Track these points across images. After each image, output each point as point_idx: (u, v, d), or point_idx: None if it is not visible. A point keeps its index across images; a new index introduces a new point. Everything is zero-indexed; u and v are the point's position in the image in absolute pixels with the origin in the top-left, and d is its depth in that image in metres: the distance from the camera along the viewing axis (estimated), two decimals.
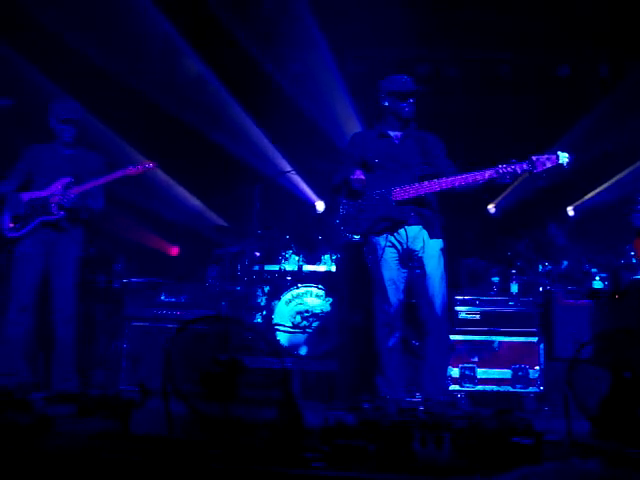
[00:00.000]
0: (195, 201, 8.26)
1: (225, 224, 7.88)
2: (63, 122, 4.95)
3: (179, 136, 6.78)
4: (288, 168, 7.26)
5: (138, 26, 6.74)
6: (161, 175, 7.73)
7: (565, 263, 6.21)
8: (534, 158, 4.12)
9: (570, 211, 7.87)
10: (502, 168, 4.15)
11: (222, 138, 7.78)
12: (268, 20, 7.12)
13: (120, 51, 6.65)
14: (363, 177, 4.34)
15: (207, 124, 7.65)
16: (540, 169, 4.11)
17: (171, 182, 8.00)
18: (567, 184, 6.12)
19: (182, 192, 8.16)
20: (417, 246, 4.30)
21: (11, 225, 4.83)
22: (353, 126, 7.53)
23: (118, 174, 4.95)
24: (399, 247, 4.31)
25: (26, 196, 4.87)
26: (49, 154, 5.01)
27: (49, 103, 5.05)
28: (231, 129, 7.82)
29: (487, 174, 4.17)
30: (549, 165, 4.10)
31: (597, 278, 5.85)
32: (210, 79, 7.54)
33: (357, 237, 4.36)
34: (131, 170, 4.95)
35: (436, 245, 4.34)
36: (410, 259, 4.31)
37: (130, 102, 6.89)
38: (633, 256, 5.71)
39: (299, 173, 7.65)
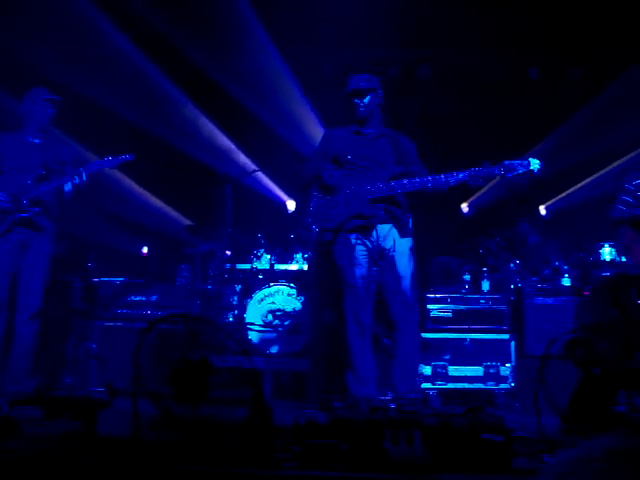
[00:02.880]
0: (164, 205, 8.21)
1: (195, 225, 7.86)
2: (45, 101, 4.77)
3: (140, 143, 6.61)
4: (254, 168, 7.22)
5: (94, 40, 6.69)
6: (127, 181, 7.68)
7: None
8: (506, 163, 4.16)
9: (542, 210, 7.95)
10: (475, 171, 4.18)
11: (186, 144, 7.76)
12: (223, 25, 7.09)
13: (77, 61, 6.52)
14: (336, 173, 4.35)
15: (168, 130, 7.61)
16: (512, 174, 4.15)
17: (138, 188, 7.95)
18: (539, 184, 6.19)
19: (150, 197, 8.10)
20: (387, 244, 4.31)
21: None
22: (315, 126, 7.59)
23: (95, 167, 4.77)
24: (369, 245, 4.31)
25: None
26: (16, 143, 4.79)
27: (26, 91, 4.87)
28: (193, 134, 7.81)
29: (459, 177, 4.19)
30: (521, 170, 4.15)
31: (566, 275, 5.91)
32: (165, 84, 7.49)
33: (327, 233, 4.34)
34: (109, 162, 4.78)
35: (406, 244, 4.35)
36: (380, 257, 4.32)
37: (91, 112, 6.76)
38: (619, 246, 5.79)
39: (267, 174, 7.66)
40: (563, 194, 7.99)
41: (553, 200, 8.00)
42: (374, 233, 4.30)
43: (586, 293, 5.61)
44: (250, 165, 7.47)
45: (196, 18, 6.91)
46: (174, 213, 8.19)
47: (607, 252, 5.91)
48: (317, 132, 7.50)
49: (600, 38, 7.10)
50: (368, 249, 4.31)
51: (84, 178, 4.71)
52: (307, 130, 7.71)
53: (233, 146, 7.98)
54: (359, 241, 4.30)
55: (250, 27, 7.05)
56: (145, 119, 7.33)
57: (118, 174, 7.33)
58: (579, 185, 7.92)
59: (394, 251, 4.31)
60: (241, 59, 7.59)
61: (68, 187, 4.74)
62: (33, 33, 6.24)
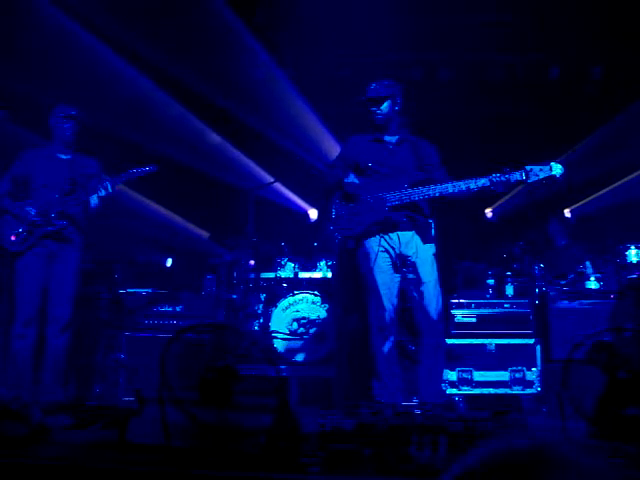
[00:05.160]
0: (189, 223, 8.33)
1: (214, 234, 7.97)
2: (65, 117, 4.88)
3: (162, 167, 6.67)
4: (271, 180, 7.27)
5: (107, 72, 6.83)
6: (150, 203, 7.82)
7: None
8: (528, 168, 4.12)
9: (567, 213, 7.90)
10: (496, 177, 4.15)
11: (207, 165, 7.86)
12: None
13: (91, 92, 6.62)
14: (357, 181, 4.38)
15: (186, 152, 7.70)
16: (533, 179, 4.11)
17: (164, 210, 8.09)
18: (565, 188, 6.16)
19: (174, 216, 8.23)
20: (410, 251, 4.32)
21: (13, 238, 4.72)
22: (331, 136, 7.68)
23: (120, 179, 4.89)
24: (392, 252, 4.32)
25: (24, 207, 4.76)
26: (45, 159, 4.92)
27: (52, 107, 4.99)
28: (213, 156, 7.90)
29: (480, 183, 4.18)
30: (542, 176, 4.10)
31: (592, 278, 5.86)
32: (179, 110, 7.60)
33: (350, 241, 4.37)
34: (133, 173, 4.89)
35: (429, 250, 4.36)
36: (403, 264, 4.34)
37: (110, 141, 6.82)
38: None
39: (288, 185, 7.74)
40: (588, 198, 7.93)
41: (578, 204, 7.95)
42: (396, 240, 4.31)
43: (613, 296, 5.56)
44: (268, 177, 7.53)
45: (201, 45, 7.02)
46: (198, 229, 8.30)
47: (633, 254, 5.85)
48: (333, 142, 7.59)
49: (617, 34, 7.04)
50: (390, 256, 4.33)
51: (110, 190, 4.82)
52: (324, 141, 7.78)
53: (250, 162, 8.07)
54: (381, 248, 4.30)
55: (259, 46, 7.21)
56: (163, 144, 7.41)
57: (145, 199, 7.52)
58: (605, 190, 7.86)
59: (417, 257, 4.31)
60: (253, 76, 7.66)
61: (94, 200, 4.86)
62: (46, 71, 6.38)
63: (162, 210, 8.07)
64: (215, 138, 7.87)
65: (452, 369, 5.34)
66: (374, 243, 4.31)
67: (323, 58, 7.55)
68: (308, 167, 6.88)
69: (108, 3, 6.43)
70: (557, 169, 4.12)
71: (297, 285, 6.29)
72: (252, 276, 6.50)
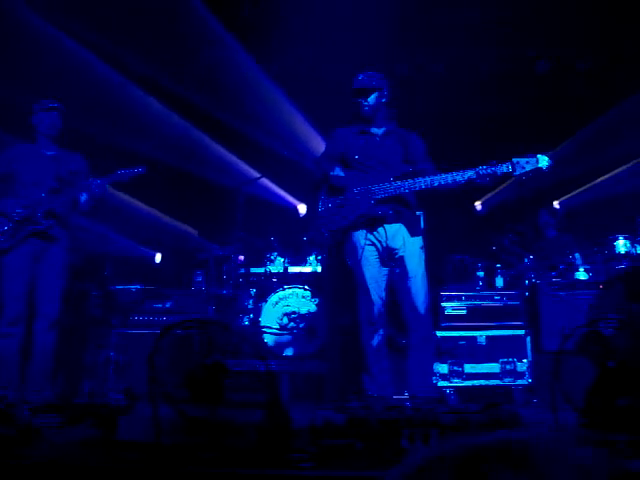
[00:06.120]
0: (180, 222, 8.30)
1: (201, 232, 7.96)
2: (47, 110, 4.83)
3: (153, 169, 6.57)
4: (257, 175, 7.24)
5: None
6: (138, 204, 7.80)
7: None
8: (514, 160, 4.10)
9: (556, 205, 7.93)
10: (482, 169, 4.14)
11: (196, 166, 7.84)
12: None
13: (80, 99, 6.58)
14: (342, 174, 4.35)
15: (175, 154, 7.68)
16: (520, 172, 4.10)
17: (156, 211, 8.06)
18: (554, 180, 6.17)
19: (164, 217, 8.19)
20: (397, 244, 4.30)
21: None
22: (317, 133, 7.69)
23: (108, 179, 4.83)
24: (379, 245, 4.30)
25: (10, 205, 4.71)
26: (30, 155, 4.87)
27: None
28: (200, 155, 7.89)
29: (466, 175, 4.16)
30: (529, 168, 4.09)
31: (581, 269, 5.88)
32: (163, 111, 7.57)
33: (337, 234, 4.34)
34: (122, 174, 4.85)
35: (416, 243, 4.34)
36: (390, 257, 4.31)
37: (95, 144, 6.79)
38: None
39: (275, 181, 7.73)
40: (578, 190, 7.97)
41: (568, 195, 7.98)
42: (383, 233, 4.28)
43: (601, 286, 5.58)
44: (255, 174, 7.51)
45: (183, 46, 7.03)
46: (187, 227, 8.28)
47: (622, 245, 5.87)
48: (319, 139, 7.59)
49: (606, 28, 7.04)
50: (377, 249, 4.31)
51: (96, 189, 4.78)
52: (310, 138, 7.78)
53: (237, 160, 8.06)
54: (368, 242, 4.28)
55: (242, 45, 7.22)
56: (149, 145, 7.36)
57: (132, 199, 7.48)
58: (594, 182, 7.90)
59: (404, 251, 4.29)
60: (236, 76, 7.63)
61: (83, 197, 4.82)
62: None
63: (150, 209, 8.05)
64: None
65: (443, 361, 5.36)
66: (361, 236, 4.28)
67: (309, 56, 7.53)
68: (295, 163, 6.88)
69: (85, 6, 6.39)
70: (543, 161, 4.11)
71: (287, 280, 6.29)
72: (242, 271, 6.50)
